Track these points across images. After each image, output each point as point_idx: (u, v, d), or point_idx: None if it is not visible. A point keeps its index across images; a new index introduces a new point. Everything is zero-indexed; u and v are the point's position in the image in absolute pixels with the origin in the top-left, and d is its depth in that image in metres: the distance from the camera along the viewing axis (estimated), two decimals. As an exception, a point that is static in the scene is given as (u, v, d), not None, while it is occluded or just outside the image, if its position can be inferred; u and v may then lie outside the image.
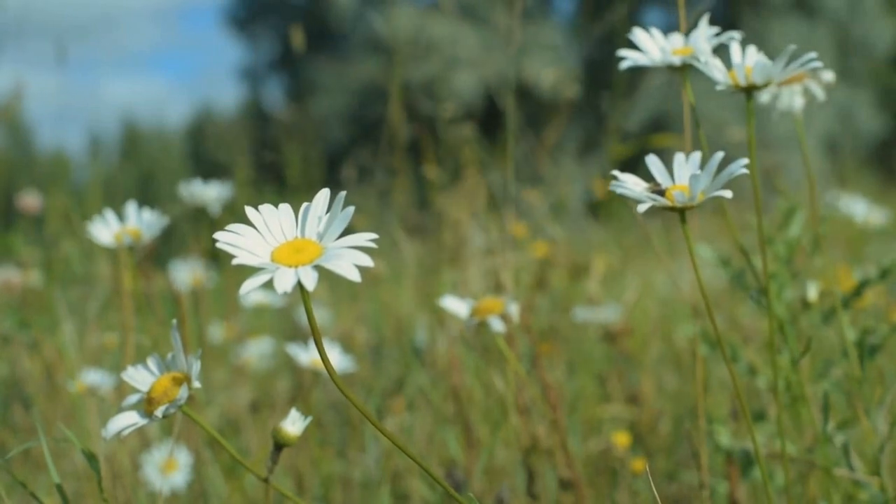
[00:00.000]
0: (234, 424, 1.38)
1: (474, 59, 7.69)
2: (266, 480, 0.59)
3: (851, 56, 8.32)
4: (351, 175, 1.87)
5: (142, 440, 1.11)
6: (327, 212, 0.49)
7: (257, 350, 1.49)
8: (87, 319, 1.53)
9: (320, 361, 1.01)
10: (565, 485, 0.97)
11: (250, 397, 1.40)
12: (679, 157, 0.58)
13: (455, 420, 1.17)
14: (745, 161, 0.55)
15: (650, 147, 0.63)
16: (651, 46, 0.69)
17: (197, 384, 0.55)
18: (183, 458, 1.01)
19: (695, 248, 0.59)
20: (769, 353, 0.68)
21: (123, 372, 0.59)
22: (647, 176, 0.58)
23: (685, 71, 0.67)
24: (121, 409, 0.57)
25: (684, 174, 0.58)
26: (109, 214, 0.93)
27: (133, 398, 0.58)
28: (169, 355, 0.59)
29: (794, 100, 0.82)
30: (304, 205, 0.50)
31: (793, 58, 0.62)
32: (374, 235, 0.46)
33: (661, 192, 0.56)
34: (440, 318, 1.45)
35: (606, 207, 2.30)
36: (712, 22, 0.70)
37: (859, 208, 1.57)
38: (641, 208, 0.55)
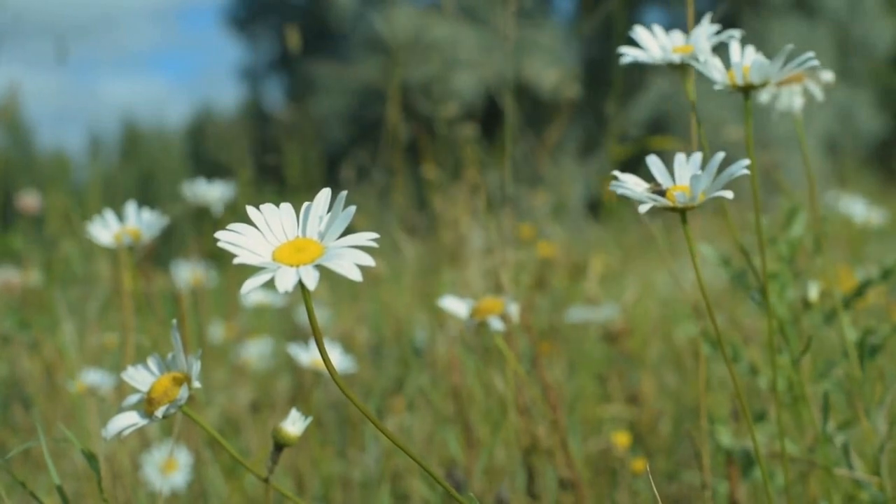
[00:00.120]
0: (234, 424, 1.38)
1: (474, 60, 7.69)
2: (266, 480, 0.59)
3: (851, 56, 8.32)
4: (350, 175, 1.87)
5: (142, 440, 1.11)
6: (328, 211, 0.49)
7: (257, 350, 1.49)
8: (87, 319, 1.53)
9: (320, 361, 1.01)
10: (565, 485, 0.97)
11: (250, 397, 1.40)
12: (680, 158, 0.58)
13: (455, 420, 1.17)
14: (747, 162, 0.55)
15: (650, 149, 0.63)
16: (651, 44, 0.69)
17: (197, 384, 0.55)
18: (183, 458, 1.01)
19: (696, 248, 0.59)
20: (770, 352, 0.68)
21: (123, 372, 0.59)
22: (647, 176, 0.58)
23: (685, 69, 0.67)
24: (121, 410, 0.57)
25: (685, 174, 0.58)
26: (109, 214, 0.93)
27: (133, 398, 0.58)
28: (169, 355, 0.58)
29: (793, 100, 0.82)
30: (306, 204, 0.50)
31: (790, 57, 0.62)
32: (375, 235, 0.46)
33: (662, 193, 0.56)
34: (440, 318, 1.45)
35: (606, 207, 2.30)
36: (712, 21, 0.70)
37: (859, 209, 1.57)
38: (642, 209, 0.55)
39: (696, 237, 0.63)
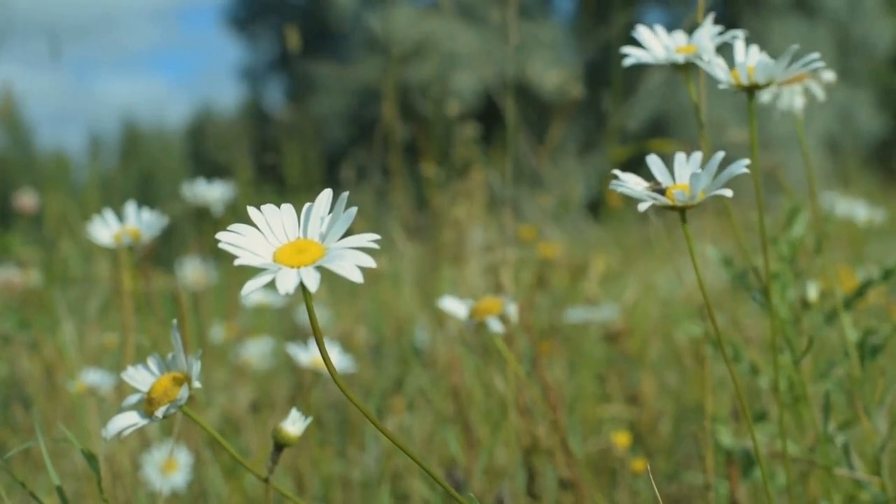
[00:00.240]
0: (234, 424, 1.38)
1: (474, 59, 7.69)
2: (266, 480, 0.59)
3: (851, 56, 8.32)
4: (350, 175, 1.87)
5: (142, 440, 1.11)
6: (329, 212, 0.49)
7: (257, 350, 1.49)
8: (87, 319, 1.53)
9: (320, 361, 1.01)
10: (565, 485, 0.97)
11: (250, 397, 1.40)
12: (680, 157, 0.58)
13: (455, 420, 1.17)
14: (746, 161, 0.55)
15: (651, 151, 0.63)
16: (654, 44, 0.69)
17: (197, 384, 0.55)
18: (183, 458, 1.01)
19: (697, 248, 0.59)
20: (771, 352, 0.68)
21: (123, 372, 0.59)
22: (648, 177, 0.58)
23: (689, 69, 0.67)
24: (121, 410, 0.57)
25: (685, 174, 0.58)
26: (109, 214, 0.93)
27: (133, 398, 0.58)
28: (169, 355, 0.58)
29: (794, 99, 0.82)
30: (307, 205, 0.50)
31: (795, 58, 0.62)
32: (376, 236, 0.46)
33: (662, 191, 0.56)
34: (440, 317, 1.45)
35: (607, 207, 2.30)
36: (715, 21, 0.70)
37: (857, 209, 1.57)
38: (642, 207, 0.55)
39: (696, 237, 0.63)
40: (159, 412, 0.54)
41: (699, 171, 0.56)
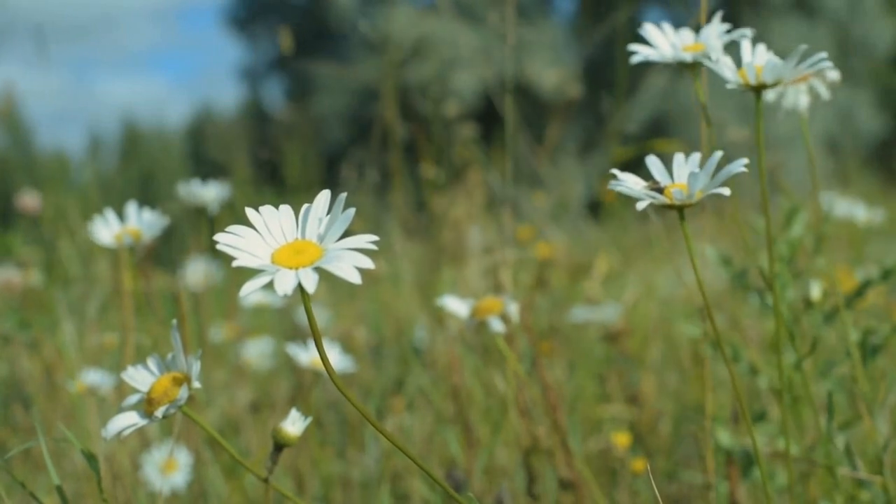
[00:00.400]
0: (234, 424, 1.38)
1: (474, 59, 7.69)
2: (266, 480, 0.59)
3: (851, 56, 8.31)
4: (350, 175, 1.87)
5: (142, 440, 1.11)
6: (328, 213, 0.49)
7: (257, 350, 1.49)
8: (87, 319, 1.53)
9: (320, 361, 1.01)
10: (565, 485, 0.97)
11: (250, 397, 1.40)
12: (678, 157, 0.58)
13: (455, 420, 1.17)
14: (745, 160, 0.55)
15: (652, 151, 0.63)
16: (662, 42, 0.69)
17: (197, 384, 0.55)
18: (183, 458, 1.01)
19: (697, 248, 0.59)
20: (774, 352, 0.68)
21: (123, 372, 0.59)
22: (647, 177, 0.59)
23: (695, 68, 0.67)
24: (121, 410, 0.57)
25: (683, 173, 0.58)
26: (110, 214, 0.93)
27: (133, 398, 0.58)
28: (169, 355, 0.58)
29: (799, 98, 0.82)
30: (305, 206, 0.50)
31: (803, 57, 0.62)
32: (374, 237, 0.46)
33: (660, 191, 0.56)
34: (440, 318, 1.45)
35: (606, 208, 2.30)
36: (710, 21, 0.70)
37: (857, 210, 1.57)
38: (640, 206, 0.55)
39: (694, 237, 0.63)
40: (159, 412, 0.54)
41: (697, 170, 0.56)
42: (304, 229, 0.49)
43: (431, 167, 1.79)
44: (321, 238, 0.49)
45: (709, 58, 0.66)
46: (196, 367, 0.55)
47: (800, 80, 0.82)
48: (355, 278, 0.44)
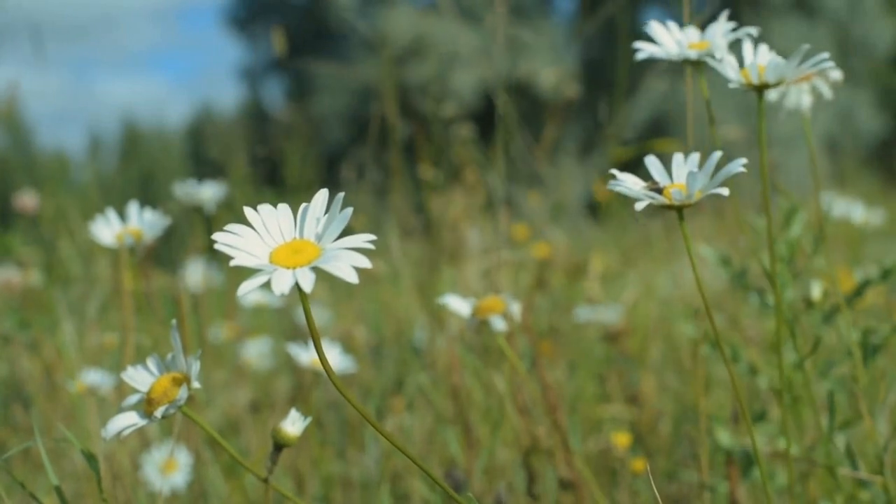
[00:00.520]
0: (234, 424, 1.38)
1: (473, 59, 7.69)
2: (266, 481, 0.59)
3: (851, 56, 8.31)
4: (350, 175, 1.87)
5: (142, 440, 1.11)
6: (326, 212, 0.49)
7: (257, 350, 1.49)
8: (87, 319, 1.53)
9: (320, 361, 1.01)
10: (565, 485, 0.97)
11: (250, 397, 1.40)
12: (678, 157, 0.58)
13: (455, 420, 1.17)
14: (744, 160, 0.55)
15: (651, 151, 0.63)
16: (667, 39, 0.69)
17: (196, 384, 0.55)
18: (183, 458, 1.01)
19: (696, 248, 0.59)
20: (774, 352, 0.68)
21: (123, 372, 0.59)
22: (647, 177, 0.59)
23: (699, 66, 0.67)
24: (120, 410, 0.57)
25: (683, 173, 0.58)
26: (111, 214, 0.93)
27: (133, 398, 0.58)
28: (168, 356, 0.58)
29: (801, 98, 0.82)
30: (303, 205, 0.50)
31: (806, 57, 0.62)
32: (372, 237, 0.46)
33: (659, 191, 0.56)
34: (440, 317, 1.45)
35: (606, 208, 2.30)
36: (712, 21, 0.70)
37: (856, 210, 1.57)
38: (639, 206, 0.55)
39: (694, 237, 0.63)
40: (158, 412, 0.54)
41: (696, 170, 0.56)
42: (303, 229, 0.49)
43: (430, 167, 1.79)
44: (319, 237, 0.49)
45: (713, 56, 0.66)
46: (196, 367, 0.55)
47: (802, 80, 0.82)
48: (352, 278, 0.44)
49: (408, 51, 7.43)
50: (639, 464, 1.06)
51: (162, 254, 2.76)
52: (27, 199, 2.01)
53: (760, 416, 0.90)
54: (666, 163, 0.59)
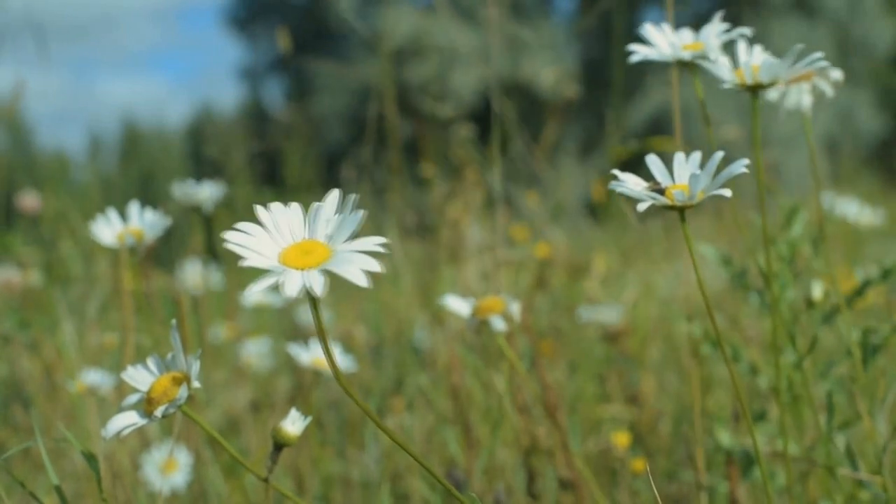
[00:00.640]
0: (234, 424, 1.38)
1: (473, 59, 7.69)
2: (266, 480, 0.59)
3: (851, 56, 8.31)
4: (350, 175, 1.87)
5: (142, 440, 1.11)
6: (336, 213, 0.49)
7: (257, 350, 1.49)
8: (87, 319, 1.53)
9: (320, 361, 1.01)
10: (565, 485, 0.97)
11: (250, 397, 1.40)
12: (679, 157, 0.58)
13: (455, 420, 1.17)
14: (746, 161, 0.55)
15: (651, 149, 0.63)
16: (661, 41, 0.69)
17: (197, 384, 0.55)
18: (183, 458, 1.01)
19: (696, 248, 0.59)
20: (772, 352, 0.68)
21: (123, 372, 0.59)
22: (647, 177, 0.58)
23: (693, 68, 0.67)
24: (120, 409, 0.57)
25: (684, 173, 0.57)
26: (112, 214, 0.93)
27: (133, 398, 0.58)
28: (169, 355, 0.58)
29: (802, 98, 0.82)
30: (314, 205, 0.49)
31: (799, 57, 0.62)
32: (382, 239, 0.45)
33: (661, 191, 0.56)
34: (440, 317, 1.45)
35: (606, 208, 2.30)
36: (710, 21, 0.70)
37: (856, 210, 1.57)
38: (641, 207, 0.55)
39: (694, 237, 0.63)
40: (158, 412, 0.54)
41: (698, 171, 0.56)
42: (313, 229, 0.49)
43: (430, 167, 1.79)
44: (329, 238, 0.48)
45: (707, 57, 0.66)
46: (196, 366, 0.55)
47: (803, 80, 0.82)
48: (363, 282, 0.43)
49: (407, 51, 7.43)
50: (639, 464, 1.06)
51: (162, 254, 2.76)
52: (28, 200, 2.01)
53: (761, 416, 0.90)
54: (665, 161, 0.59)
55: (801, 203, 0.90)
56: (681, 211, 0.56)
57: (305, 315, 1.68)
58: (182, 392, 0.55)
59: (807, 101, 0.82)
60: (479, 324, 0.86)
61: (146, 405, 0.56)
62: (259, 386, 1.57)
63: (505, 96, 1.31)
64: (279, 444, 0.60)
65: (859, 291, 0.85)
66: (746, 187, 0.63)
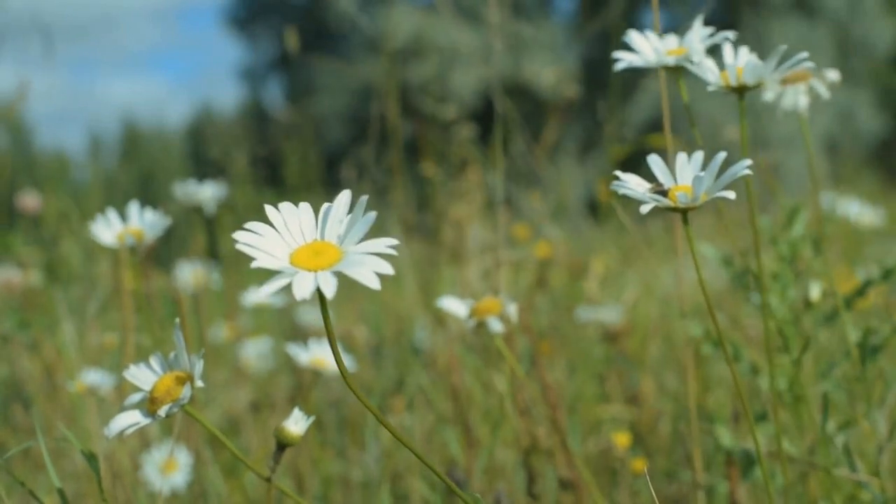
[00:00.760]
0: (235, 424, 1.38)
1: (474, 59, 7.69)
2: (269, 480, 0.59)
3: (851, 56, 8.31)
4: (350, 175, 1.87)
5: (142, 440, 1.11)
6: (348, 214, 0.48)
7: (257, 350, 1.49)
8: (87, 319, 1.53)
9: (320, 361, 1.01)
10: (565, 485, 0.97)
11: (251, 397, 1.40)
12: (681, 158, 0.58)
13: (455, 420, 1.17)
14: (749, 162, 0.55)
15: (648, 148, 0.63)
16: (645, 47, 0.69)
17: (200, 383, 0.55)
18: (183, 458, 1.01)
19: (697, 248, 0.59)
20: (766, 352, 0.68)
21: (125, 370, 0.59)
22: (647, 176, 0.58)
23: (681, 71, 0.68)
24: (123, 409, 0.57)
25: (687, 175, 0.57)
26: (112, 214, 0.93)
27: (135, 397, 0.58)
28: (171, 354, 0.58)
29: (798, 99, 0.82)
30: (325, 206, 0.49)
31: (785, 58, 0.62)
32: (394, 241, 0.45)
33: (664, 193, 0.56)
34: (440, 317, 1.45)
35: (606, 208, 2.30)
36: (712, 23, 0.71)
37: (856, 210, 1.57)
38: (644, 209, 0.55)
39: (695, 236, 0.63)
40: (162, 411, 0.54)
41: (701, 173, 0.56)
42: (324, 230, 0.48)
43: (431, 167, 1.79)
44: (341, 239, 0.47)
45: (691, 61, 0.66)
46: (199, 365, 0.55)
47: (800, 80, 0.82)
48: (375, 284, 0.43)
49: (408, 50, 7.43)
50: (638, 464, 1.06)
51: (162, 254, 2.76)
52: (29, 199, 2.01)
53: (762, 416, 0.90)
54: (665, 159, 0.59)
55: (802, 203, 0.90)
56: (684, 213, 0.56)
57: (305, 315, 1.68)
58: (185, 391, 0.55)
59: (803, 101, 0.82)
60: (477, 325, 0.86)
61: (149, 404, 0.56)
62: (259, 386, 1.57)
63: (506, 96, 1.31)
64: (282, 444, 0.60)
65: (860, 291, 0.85)
66: (745, 187, 0.64)
